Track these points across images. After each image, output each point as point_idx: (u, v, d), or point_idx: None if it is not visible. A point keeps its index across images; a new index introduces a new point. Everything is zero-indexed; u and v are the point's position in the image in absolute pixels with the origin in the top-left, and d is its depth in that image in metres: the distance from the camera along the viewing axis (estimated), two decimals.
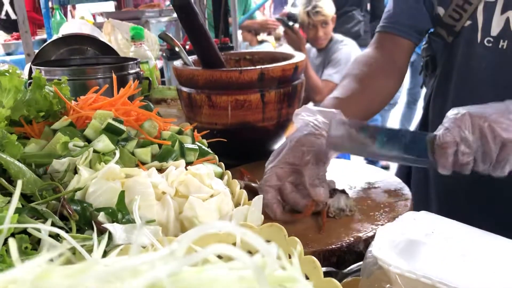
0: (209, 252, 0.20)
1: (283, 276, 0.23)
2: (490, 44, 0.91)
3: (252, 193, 0.90)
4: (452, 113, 0.71)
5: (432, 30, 1.06)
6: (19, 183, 0.48)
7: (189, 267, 0.20)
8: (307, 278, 0.47)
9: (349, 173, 0.99)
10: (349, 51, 3.00)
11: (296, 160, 0.78)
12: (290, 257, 0.48)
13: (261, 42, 4.61)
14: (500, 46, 0.90)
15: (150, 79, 1.33)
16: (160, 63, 2.00)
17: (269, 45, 4.62)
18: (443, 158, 0.69)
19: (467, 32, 0.94)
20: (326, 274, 0.66)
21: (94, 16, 4.23)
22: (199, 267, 0.21)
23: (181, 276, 0.19)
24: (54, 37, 1.71)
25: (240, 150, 1.12)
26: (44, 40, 3.58)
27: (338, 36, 3.13)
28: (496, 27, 0.90)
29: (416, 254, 0.48)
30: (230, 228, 0.21)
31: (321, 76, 3.01)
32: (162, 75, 1.90)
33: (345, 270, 0.66)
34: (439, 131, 0.70)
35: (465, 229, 0.54)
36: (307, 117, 0.84)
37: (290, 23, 2.98)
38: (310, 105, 0.90)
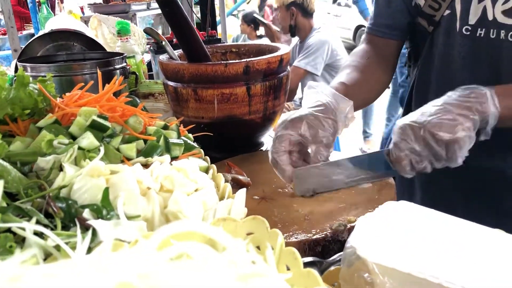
0: (176, 251, 0.21)
1: (251, 271, 0.24)
2: (468, 33, 0.93)
3: (239, 185, 0.91)
4: (396, 126, 0.76)
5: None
6: (1, 182, 0.49)
7: (159, 264, 0.21)
8: (288, 269, 0.48)
9: None
10: (320, 38, 3.01)
11: (309, 135, 0.81)
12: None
13: (260, 36, 4.60)
14: (478, 35, 0.92)
15: (137, 73, 1.33)
16: (147, 57, 1.99)
17: (267, 40, 4.62)
18: (401, 170, 0.75)
19: (446, 21, 0.96)
20: (311, 264, 0.68)
21: (82, 8, 4.19)
22: (167, 265, 0.21)
23: (150, 275, 0.20)
24: (40, 32, 1.69)
25: (227, 143, 1.13)
26: (32, 35, 3.55)
27: (317, 25, 3.14)
28: (473, 16, 0.91)
29: (394, 244, 0.49)
30: (198, 227, 0.22)
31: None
32: (150, 69, 1.89)
33: (329, 260, 0.67)
34: (390, 146, 0.76)
35: (443, 219, 0.55)
36: (323, 96, 0.87)
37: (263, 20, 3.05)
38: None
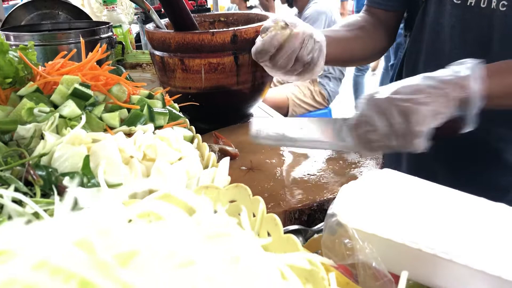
0: (141, 208, 0.20)
1: (219, 231, 0.24)
2: (459, 1, 0.91)
3: (227, 156, 0.90)
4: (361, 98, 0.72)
5: None
6: None
7: (121, 221, 0.20)
8: (269, 235, 0.48)
9: None
10: (316, 8, 2.96)
11: None
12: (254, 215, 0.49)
13: (250, 7, 4.52)
14: (468, 4, 0.90)
15: (124, 43, 1.31)
16: (136, 28, 1.95)
17: (258, 11, 4.54)
18: (358, 140, 0.71)
19: None
20: (296, 232, 0.69)
21: None
22: (129, 223, 0.21)
23: (110, 232, 0.19)
24: (24, 0, 1.65)
25: (215, 114, 1.12)
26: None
27: None
28: None
29: (376, 211, 0.49)
30: (163, 187, 0.22)
31: None
32: (139, 40, 1.86)
33: (314, 228, 0.68)
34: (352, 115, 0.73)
35: (426, 186, 0.55)
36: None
37: None
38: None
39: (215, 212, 0.30)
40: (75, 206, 0.52)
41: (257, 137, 0.81)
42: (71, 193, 0.24)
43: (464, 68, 0.69)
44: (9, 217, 0.46)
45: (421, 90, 0.67)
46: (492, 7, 0.87)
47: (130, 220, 0.22)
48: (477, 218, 0.49)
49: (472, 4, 0.89)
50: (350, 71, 4.33)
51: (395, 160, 1.15)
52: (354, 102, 4.66)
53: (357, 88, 4.55)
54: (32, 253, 0.18)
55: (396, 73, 1.16)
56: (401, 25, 1.15)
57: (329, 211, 0.50)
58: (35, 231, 0.19)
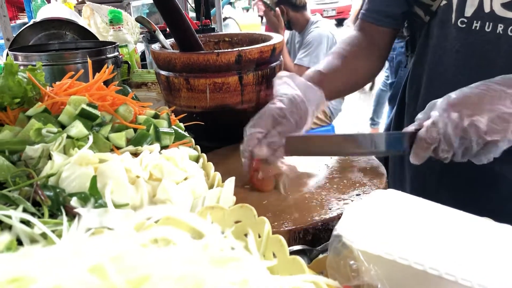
0: (152, 235, 0.21)
1: (227, 256, 0.24)
2: (464, 25, 0.90)
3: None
4: (437, 105, 0.72)
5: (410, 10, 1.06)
6: None
7: (133, 247, 0.21)
8: (275, 256, 0.48)
9: None
10: (319, 32, 3.01)
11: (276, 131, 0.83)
12: (259, 236, 0.50)
13: (224, 19, 4.53)
14: (473, 27, 0.88)
15: (130, 63, 1.33)
16: (141, 47, 1.98)
17: (232, 22, 4.57)
18: (422, 151, 0.73)
19: (442, 12, 0.93)
20: (300, 252, 0.69)
21: None
22: (141, 248, 0.21)
23: (123, 258, 0.20)
24: (32, 21, 1.68)
25: (220, 133, 1.12)
26: (26, 24, 3.50)
27: (314, 18, 3.12)
28: (470, 8, 0.88)
29: (381, 231, 0.50)
30: (174, 212, 0.22)
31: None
32: (144, 59, 1.88)
33: (319, 248, 0.68)
34: (427, 122, 0.73)
35: (431, 207, 0.56)
36: (290, 90, 0.88)
37: (271, 4, 2.99)
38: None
39: (223, 233, 0.31)
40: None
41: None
42: (84, 217, 0.24)
43: None
44: (18, 239, 0.46)
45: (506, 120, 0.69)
46: (498, 31, 0.85)
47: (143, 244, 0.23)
48: (483, 240, 0.49)
49: (477, 28, 0.88)
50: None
51: (399, 180, 1.15)
52: (372, 114, 4.67)
53: (378, 100, 4.57)
54: (47, 279, 0.18)
55: (399, 96, 1.16)
56: (402, 43, 1.15)
57: (334, 232, 0.50)
58: (49, 256, 0.20)
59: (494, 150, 0.70)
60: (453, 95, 0.73)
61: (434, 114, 0.73)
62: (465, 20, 0.90)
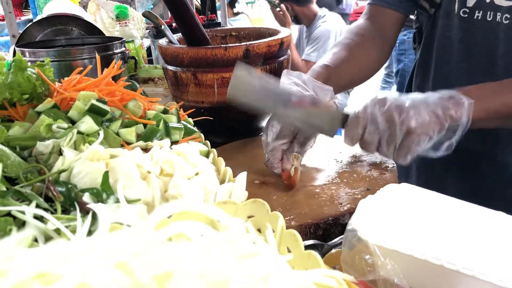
0: (173, 230, 0.20)
1: (251, 250, 0.24)
2: (466, 15, 0.91)
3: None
4: (377, 95, 0.75)
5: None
6: (0, 167, 0.48)
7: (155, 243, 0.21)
8: (289, 251, 0.48)
9: (336, 148, 1.00)
10: (327, 27, 2.99)
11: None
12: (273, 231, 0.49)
13: (237, 14, 4.52)
14: (475, 17, 0.90)
15: (136, 58, 1.32)
16: (147, 42, 1.97)
17: (244, 16, 4.54)
18: (352, 129, 0.75)
19: (446, 3, 0.95)
20: (312, 246, 0.68)
21: None
22: (163, 244, 0.21)
23: (145, 254, 0.20)
24: (38, 17, 1.68)
25: (228, 127, 1.12)
26: (31, 20, 3.51)
27: (322, 12, 3.10)
28: None
29: (396, 226, 0.49)
30: (196, 207, 0.22)
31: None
32: (150, 54, 1.87)
33: (330, 243, 0.67)
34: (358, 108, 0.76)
35: (444, 201, 0.55)
36: (303, 91, 0.87)
37: (276, 1, 2.99)
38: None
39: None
40: (94, 222, 0.53)
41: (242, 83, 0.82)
42: (105, 215, 0.24)
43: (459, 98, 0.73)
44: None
45: (430, 116, 0.71)
46: (497, 20, 0.88)
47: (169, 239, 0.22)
48: (497, 233, 0.48)
49: (479, 18, 0.90)
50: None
51: (405, 171, 1.15)
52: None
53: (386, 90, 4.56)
54: (74, 275, 0.18)
55: (406, 86, 1.16)
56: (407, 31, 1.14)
57: (348, 227, 0.50)
58: (72, 252, 0.19)
59: (414, 143, 0.71)
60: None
61: (367, 103, 0.76)
62: (467, 10, 0.92)
